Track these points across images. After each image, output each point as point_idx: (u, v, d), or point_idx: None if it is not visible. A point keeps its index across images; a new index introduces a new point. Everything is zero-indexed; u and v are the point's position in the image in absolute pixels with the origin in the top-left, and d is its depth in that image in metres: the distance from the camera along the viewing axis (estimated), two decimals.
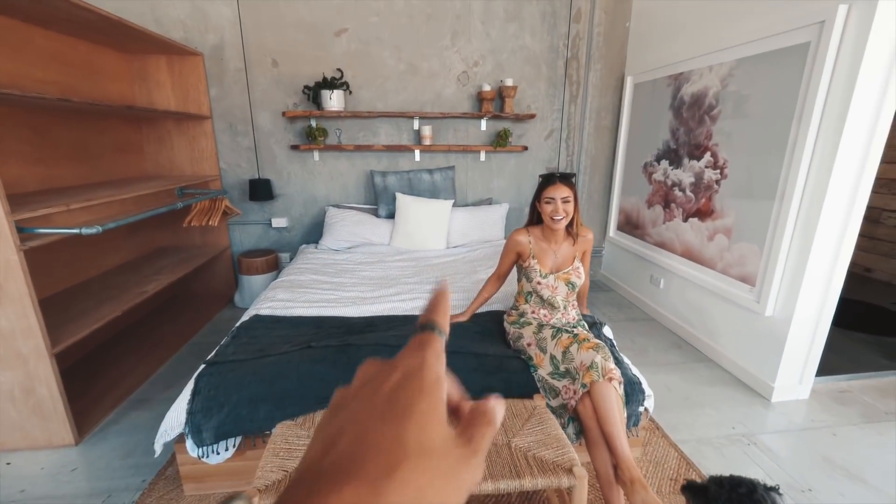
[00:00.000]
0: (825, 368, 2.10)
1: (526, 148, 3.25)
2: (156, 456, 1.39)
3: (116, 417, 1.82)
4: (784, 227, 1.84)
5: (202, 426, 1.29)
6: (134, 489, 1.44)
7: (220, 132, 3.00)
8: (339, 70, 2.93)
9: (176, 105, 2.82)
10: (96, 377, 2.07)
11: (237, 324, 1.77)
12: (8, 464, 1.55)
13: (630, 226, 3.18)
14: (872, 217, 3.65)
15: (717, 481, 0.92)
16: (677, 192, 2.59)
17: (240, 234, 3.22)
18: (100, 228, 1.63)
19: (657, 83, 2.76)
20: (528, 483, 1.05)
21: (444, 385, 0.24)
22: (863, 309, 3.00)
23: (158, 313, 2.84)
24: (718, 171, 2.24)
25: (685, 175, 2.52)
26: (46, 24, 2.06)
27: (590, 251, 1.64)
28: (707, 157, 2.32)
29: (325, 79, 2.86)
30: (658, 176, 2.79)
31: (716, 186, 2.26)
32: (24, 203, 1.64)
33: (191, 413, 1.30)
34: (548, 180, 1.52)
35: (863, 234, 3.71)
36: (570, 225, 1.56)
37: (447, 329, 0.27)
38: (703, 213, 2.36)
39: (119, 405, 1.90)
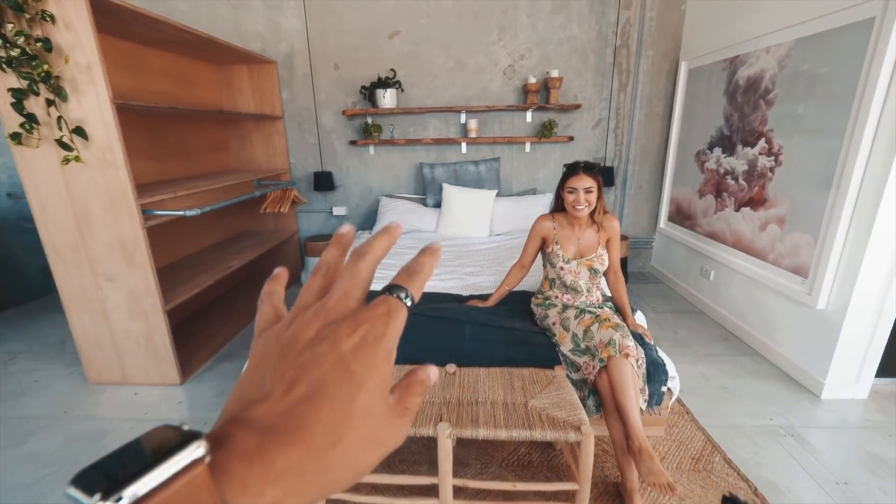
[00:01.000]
0: (891, 369, 1.95)
1: (572, 138, 3.27)
2: None
3: (210, 366, 2.24)
4: (840, 215, 1.74)
5: None
6: None
7: (290, 130, 3.39)
8: (392, 70, 3.18)
9: (255, 108, 3.25)
10: (194, 334, 2.53)
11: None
12: (135, 394, 2.00)
13: (681, 216, 3.08)
14: None
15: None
16: (730, 181, 2.49)
17: (306, 220, 3.63)
18: (199, 211, 2.01)
19: (713, 67, 2.65)
20: (538, 434, 1.19)
21: (394, 356, 0.24)
22: None
23: (239, 287, 3.33)
24: (773, 157, 2.14)
25: (738, 163, 2.41)
26: (158, 45, 2.51)
27: (616, 239, 1.65)
28: (761, 143, 2.22)
29: (379, 79, 3.11)
30: (711, 164, 2.68)
31: (769, 174, 2.16)
32: (145, 191, 2.06)
33: None
34: (572, 170, 1.58)
35: None
36: (593, 213, 1.62)
37: (418, 298, 0.26)
38: (756, 203, 2.26)
39: (212, 357, 2.32)
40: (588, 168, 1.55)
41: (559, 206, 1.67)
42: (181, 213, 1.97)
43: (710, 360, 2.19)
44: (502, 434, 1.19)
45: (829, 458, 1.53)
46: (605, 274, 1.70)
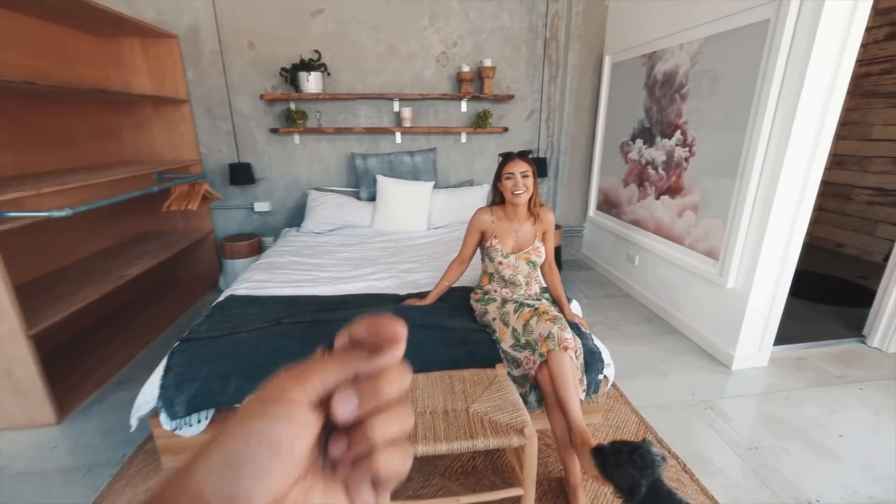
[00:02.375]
0: (785, 338, 2.19)
1: (506, 129, 3.27)
2: (132, 430, 1.45)
3: (99, 398, 1.88)
4: (744, 202, 1.89)
5: (174, 400, 1.34)
6: (114, 463, 1.51)
7: (199, 116, 2.98)
8: (316, 52, 2.91)
9: (152, 89, 2.80)
10: (80, 359, 2.12)
11: (213, 304, 1.82)
12: None
13: (608, 205, 3.23)
14: (844, 194, 3.72)
15: (616, 445, 1.01)
16: (650, 171, 2.63)
17: (223, 218, 3.24)
18: (70, 211, 1.65)
19: (634, 62, 2.78)
20: (481, 443, 1.12)
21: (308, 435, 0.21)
22: (832, 282, 3.09)
23: (143, 298, 2.88)
24: (687, 148, 2.28)
25: (658, 153, 2.56)
26: (12, 6, 2.03)
27: (551, 231, 1.65)
28: (677, 135, 2.36)
29: (302, 61, 2.84)
30: (633, 155, 2.83)
31: (685, 164, 2.31)
32: None
33: (164, 387, 1.36)
34: (507, 157, 1.56)
35: (834, 211, 3.81)
36: (531, 204, 1.59)
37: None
38: (674, 191, 2.41)
39: (102, 386, 1.96)
40: (522, 154, 1.55)
41: (497, 199, 1.63)
42: (45, 214, 1.60)
43: (639, 341, 2.31)
44: (443, 448, 1.11)
45: (741, 426, 1.67)
46: (541, 266, 1.69)
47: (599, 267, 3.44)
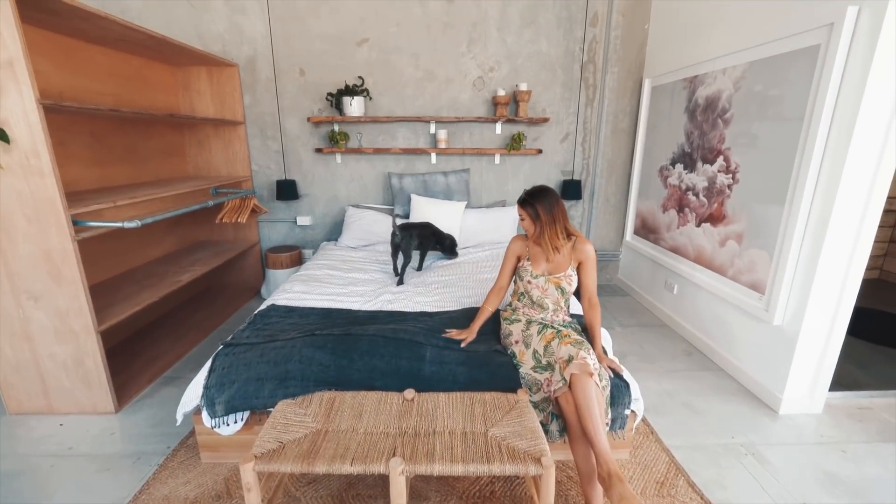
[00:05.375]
0: (844, 383, 2.01)
1: (540, 151, 3.28)
2: (177, 424, 1.57)
3: (151, 392, 2.05)
4: (793, 233, 1.78)
5: (215, 399, 1.45)
6: (160, 454, 1.63)
7: (253, 137, 3.24)
8: (360, 78, 3.10)
9: (214, 112, 3.09)
10: (136, 355, 2.33)
11: (255, 312, 1.94)
12: (61, 425, 1.79)
13: (646, 230, 3.13)
14: None
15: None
16: (691, 197, 2.54)
17: (268, 230, 3.46)
18: (139, 223, 1.85)
19: (674, 86, 2.72)
20: (497, 468, 1.12)
21: None
22: (892, 320, 2.79)
23: (193, 302, 3.12)
24: (730, 175, 2.19)
25: (699, 179, 2.47)
26: (105, 43, 2.34)
27: (588, 264, 1.59)
28: (720, 161, 2.28)
29: (346, 86, 3.03)
30: (673, 180, 2.74)
31: (728, 191, 2.21)
32: (81, 200, 1.89)
33: (206, 388, 1.47)
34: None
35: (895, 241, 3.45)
36: (568, 235, 1.60)
37: None
38: (716, 219, 2.31)
39: (154, 381, 2.13)
40: (521, 201, 1.60)
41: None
42: (118, 224, 1.80)
43: (675, 376, 2.20)
44: (458, 469, 1.11)
45: (787, 477, 1.54)
46: (580, 299, 1.66)
47: (636, 294, 3.31)
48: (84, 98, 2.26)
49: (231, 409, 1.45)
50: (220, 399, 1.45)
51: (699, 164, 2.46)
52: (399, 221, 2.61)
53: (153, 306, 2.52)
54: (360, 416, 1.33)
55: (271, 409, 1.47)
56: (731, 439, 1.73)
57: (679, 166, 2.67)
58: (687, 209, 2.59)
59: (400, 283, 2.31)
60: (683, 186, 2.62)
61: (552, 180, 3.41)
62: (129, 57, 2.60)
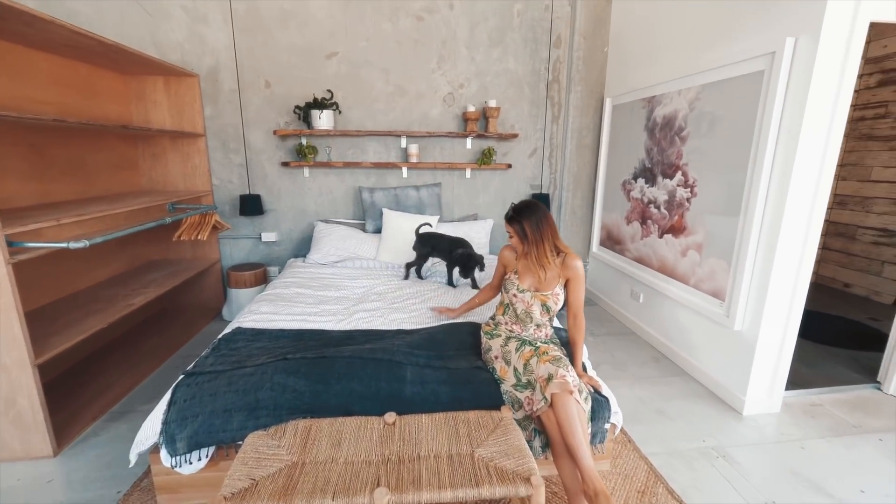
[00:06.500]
0: (798, 382, 2.15)
1: (510, 166, 3.35)
2: (131, 466, 1.42)
3: (96, 430, 1.85)
4: (748, 243, 1.91)
5: (176, 436, 1.32)
6: (109, 501, 1.46)
7: (214, 149, 3.09)
8: (329, 91, 3.05)
9: (171, 124, 2.92)
10: (80, 389, 2.10)
11: (219, 336, 1.82)
12: None
13: (611, 241, 3.26)
14: (849, 234, 3.74)
15: None
16: (653, 209, 2.68)
17: (230, 248, 3.29)
18: (87, 243, 1.69)
19: (633, 105, 2.88)
20: (486, 491, 1.09)
21: None
22: (840, 324, 3.05)
23: (147, 326, 2.88)
24: (689, 189, 2.33)
25: (659, 193, 2.61)
26: (48, 49, 2.16)
27: (577, 280, 1.56)
28: (679, 175, 2.42)
29: (315, 99, 2.97)
30: (635, 193, 2.88)
31: (687, 204, 2.35)
32: (17, 218, 1.70)
33: (166, 423, 1.34)
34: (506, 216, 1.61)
35: (840, 251, 3.81)
36: (545, 250, 1.55)
37: None
38: (677, 230, 2.44)
39: (100, 417, 1.93)
40: (508, 217, 1.58)
41: None
42: (63, 245, 1.64)
43: (646, 383, 2.26)
44: (447, 495, 1.07)
45: (756, 478, 1.61)
46: (566, 315, 1.66)
47: (603, 303, 3.42)
48: (23, 107, 2.07)
49: (194, 446, 1.33)
50: (181, 435, 1.32)
51: (659, 178, 2.60)
52: (425, 230, 2.69)
53: (101, 332, 2.30)
54: (339, 445, 1.26)
55: (241, 443, 1.37)
56: (702, 443, 1.79)
57: (641, 180, 2.81)
58: (650, 221, 2.72)
59: (405, 277, 2.61)
60: (645, 199, 2.76)
61: (522, 194, 3.49)
62: (76, 64, 2.42)
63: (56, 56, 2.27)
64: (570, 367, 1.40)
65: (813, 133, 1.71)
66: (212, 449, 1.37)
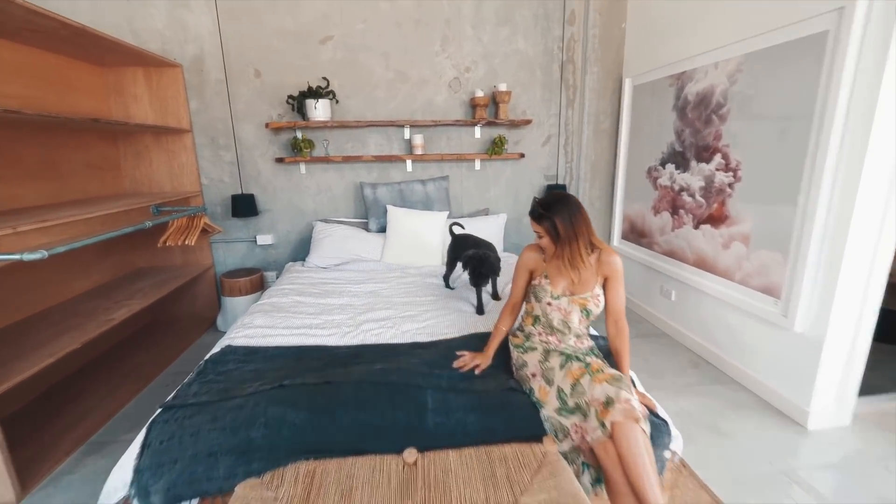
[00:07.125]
0: (867, 389, 1.90)
1: (523, 155, 3.10)
2: None
3: (70, 465, 1.61)
4: (811, 234, 1.66)
5: (150, 487, 1.08)
6: None
7: (202, 146, 2.84)
8: (324, 79, 2.80)
9: (154, 119, 2.67)
10: (52, 418, 1.86)
11: (206, 356, 1.58)
12: None
13: (635, 234, 3.00)
14: None
15: None
16: (686, 198, 2.42)
17: (223, 252, 3.05)
18: (45, 253, 1.45)
19: (658, 84, 2.62)
20: None
21: None
22: None
23: (132, 342, 2.64)
24: (731, 173, 2.08)
25: (694, 179, 2.35)
26: (9, 36, 1.92)
27: (615, 278, 1.34)
28: (717, 158, 2.16)
29: (310, 88, 2.72)
30: (664, 181, 2.63)
31: (729, 190, 2.10)
32: None
33: (138, 471, 1.10)
34: (530, 212, 1.36)
35: None
36: (579, 247, 1.31)
37: None
38: (717, 220, 2.19)
39: (75, 451, 1.69)
40: (535, 214, 1.33)
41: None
42: (16, 256, 1.39)
43: (689, 393, 2.02)
44: None
45: None
46: (606, 320, 1.41)
47: (628, 301, 3.17)
48: None
49: (172, 500, 1.09)
50: (156, 486, 1.08)
51: (693, 162, 2.35)
52: (457, 230, 2.43)
53: (80, 350, 2.06)
54: (349, 494, 1.02)
55: (229, 493, 1.13)
56: (768, 465, 1.55)
57: (670, 166, 2.55)
58: (682, 211, 2.47)
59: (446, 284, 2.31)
60: (676, 187, 2.50)
61: (536, 185, 3.24)
62: (43, 53, 2.17)
63: (19, 44, 2.02)
64: (632, 388, 1.16)
65: (893, 106, 1.45)
66: (195, 502, 1.13)
